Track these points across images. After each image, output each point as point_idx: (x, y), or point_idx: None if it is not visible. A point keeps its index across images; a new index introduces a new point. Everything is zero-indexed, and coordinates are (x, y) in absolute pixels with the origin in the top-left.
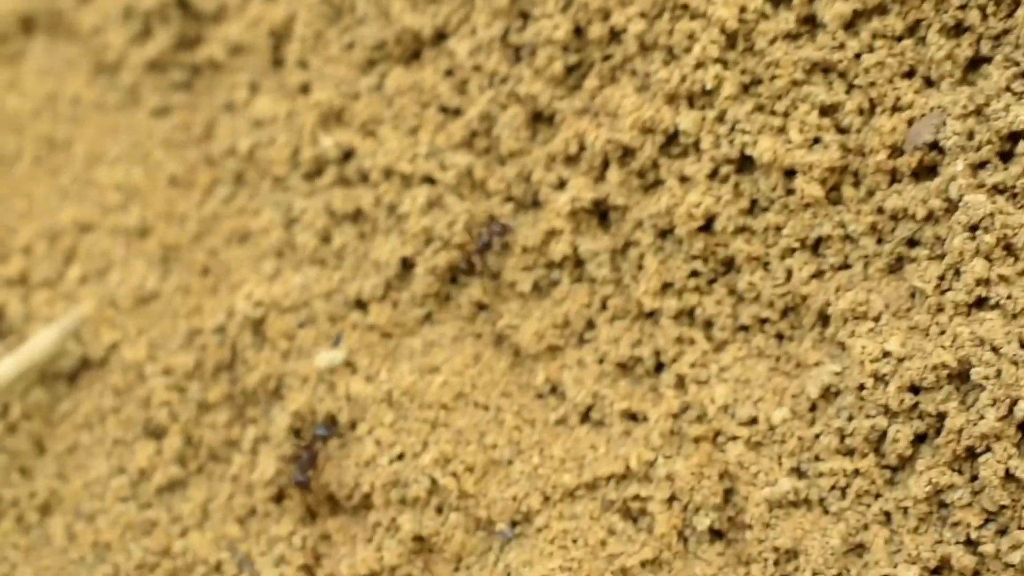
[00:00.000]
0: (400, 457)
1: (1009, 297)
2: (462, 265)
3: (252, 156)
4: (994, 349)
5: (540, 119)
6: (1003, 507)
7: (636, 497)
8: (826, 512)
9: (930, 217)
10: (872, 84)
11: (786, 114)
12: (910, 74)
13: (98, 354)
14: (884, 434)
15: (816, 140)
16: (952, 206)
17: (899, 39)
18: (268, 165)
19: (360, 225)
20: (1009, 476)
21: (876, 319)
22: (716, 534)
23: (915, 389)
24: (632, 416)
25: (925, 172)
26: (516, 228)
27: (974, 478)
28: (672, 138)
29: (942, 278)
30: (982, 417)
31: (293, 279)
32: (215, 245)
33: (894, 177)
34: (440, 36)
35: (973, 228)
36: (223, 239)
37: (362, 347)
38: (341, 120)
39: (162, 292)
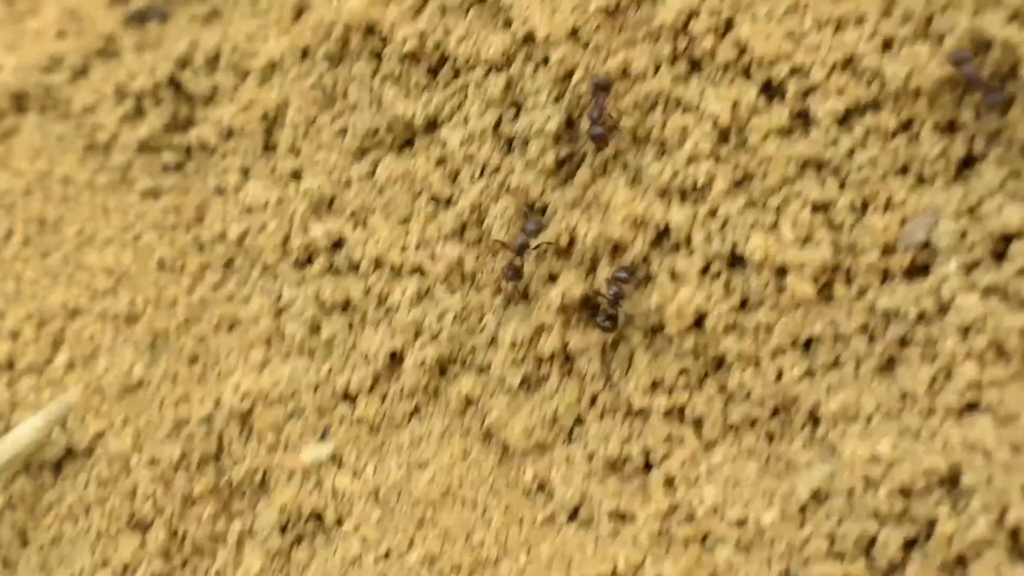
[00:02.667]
0: (386, 555)
1: (1001, 401)
2: (507, 272)
3: (242, 242)
4: (985, 454)
5: (532, 211)
6: None
7: None
8: None
9: (922, 318)
10: (865, 181)
11: (778, 211)
12: (903, 172)
13: (84, 443)
14: (874, 539)
15: (808, 238)
16: (944, 307)
17: (892, 136)
18: (258, 252)
19: (349, 315)
20: None
21: (867, 420)
22: None
23: (906, 493)
24: (621, 516)
25: (918, 272)
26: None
27: None
28: (663, 233)
29: (934, 380)
30: (973, 523)
31: (281, 369)
32: (204, 332)
33: (886, 276)
34: (432, 125)
35: (965, 330)
36: (212, 326)
37: (349, 441)
38: (332, 208)
39: (149, 380)
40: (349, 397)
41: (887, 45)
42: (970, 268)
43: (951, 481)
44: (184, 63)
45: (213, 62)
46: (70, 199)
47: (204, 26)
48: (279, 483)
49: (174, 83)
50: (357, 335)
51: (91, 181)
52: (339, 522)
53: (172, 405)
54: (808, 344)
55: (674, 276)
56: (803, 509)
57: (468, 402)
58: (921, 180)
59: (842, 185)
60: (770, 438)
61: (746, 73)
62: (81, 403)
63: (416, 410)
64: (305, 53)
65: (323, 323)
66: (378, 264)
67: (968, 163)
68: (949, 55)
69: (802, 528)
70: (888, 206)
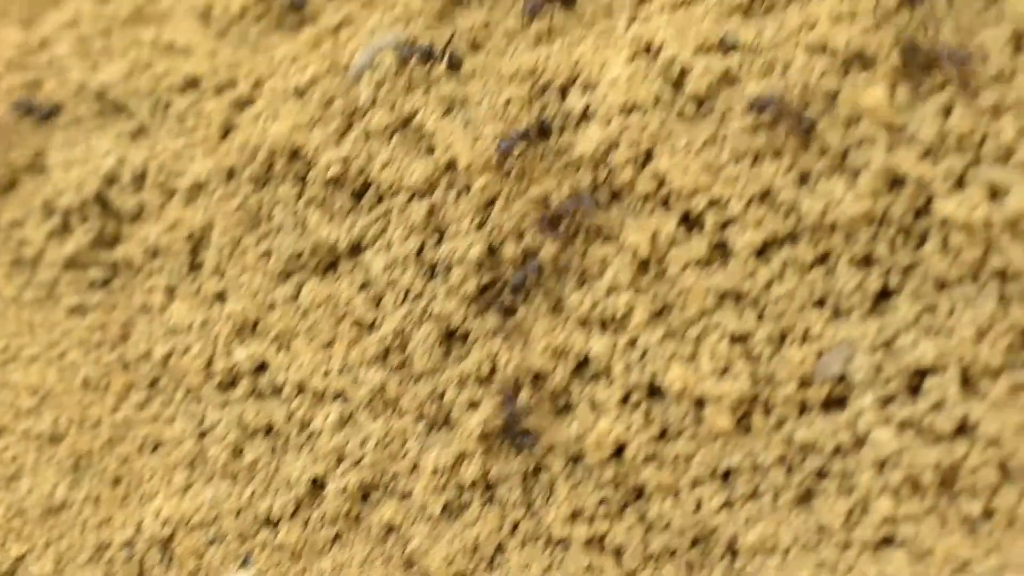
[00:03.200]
0: None
1: (916, 536)
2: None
3: (167, 363)
4: None
5: (454, 337)
6: None
7: None
8: None
9: (839, 451)
10: (782, 314)
11: (697, 341)
12: (820, 304)
13: (4, 566)
14: None
15: (726, 369)
16: (860, 440)
17: (809, 269)
18: (182, 373)
19: (272, 440)
20: None
21: (785, 553)
22: None
23: None
24: None
25: (834, 405)
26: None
27: None
28: (584, 363)
29: (850, 514)
30: None
31: (203, 493)
32: (127, 453)
33: (804, 409)
34: (356, 249)
35: (881, 464)
36: (135, 447)
37: (271, 567)
38: (255, 331)
39: (72, 502)
40: (271, 523)
41: (803, 179)
42: (885, 402)
43: None
44: (111, 180)
45: (140, 180)
46: None
47: (132, 142)
48: None
49: (101, 200)
50: (280, 460)
51: (17, 297)
52: None
53: (94, 528)
54: (727, 475)
55: (594, 406)
56: None
57: (389, 529)
58: (837, 313)
59: (760, 317)
60: (690, 568)
61: (665, 204)
62: (2, 525)
63: (337, 536)
64: (231, 174)
65: (246, 447)
66: (301, 389)
67: (884, 296)
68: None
69: None
70: (805, 338)
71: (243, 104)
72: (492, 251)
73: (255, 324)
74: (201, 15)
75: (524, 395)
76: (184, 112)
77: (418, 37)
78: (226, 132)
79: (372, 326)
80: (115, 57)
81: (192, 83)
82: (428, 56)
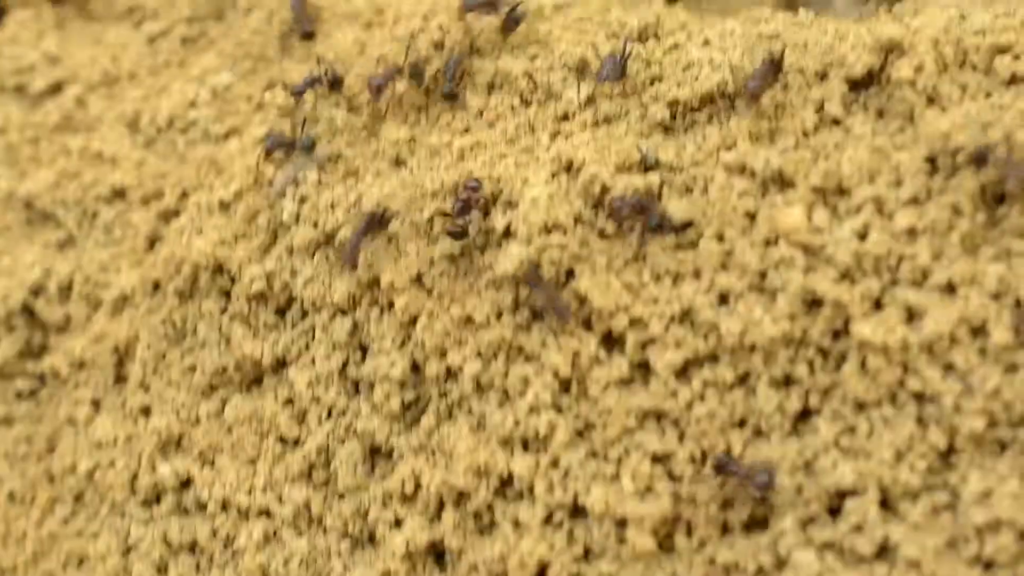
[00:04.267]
0: None
1: None
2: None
3: (92, 477)
4: None
5: (378, 454)
6: None
7: None
8: None
9: (761, 572)
10: (704, 434)
11: (619, 462)
12: (741, 424)
13: None
14: None
15: (648, 489)
16: (782, 562)
17: (730, 389)
18: (107, 488)
19: (196, 557)
20: None
21: None
22: None
23: None
24: None
25: (756, 526)
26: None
27: None
28: (507, 482)
29: None
30: None
31: None
32: (52, 568)
33: (726, 529)
34: (280, 364)
35: None
36: (60, 563)
37: None
38: (180, 447)
39: None
40: None
41: (723, 299)
42: (806, 523)
43: None
44: (38, 291)
45: (66, 291)
46: None
47: (59, 253)
48: None
49: (28, 310)
50: None
51: None
52: None
53: None
54: None
55: (517, 525)
56: None
57: None
58: (758, 433)
59: (681, 437)
60: None
61: (586, 324)
62: None
63: None
64: (156, 286)
65: (170, 564)
66: (225, 505)
67: (804, 417)
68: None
69: None
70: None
71: (169, 216)
72: (416, 368)
73: (180, 439)
74: (129, 124)
75: (447, 514)
76: (111, 223)
77: (342, 153)
78: (152, 244)
79: (296, 443)
80: (43, 166)
81: (119, 193)
82: (353, 172)
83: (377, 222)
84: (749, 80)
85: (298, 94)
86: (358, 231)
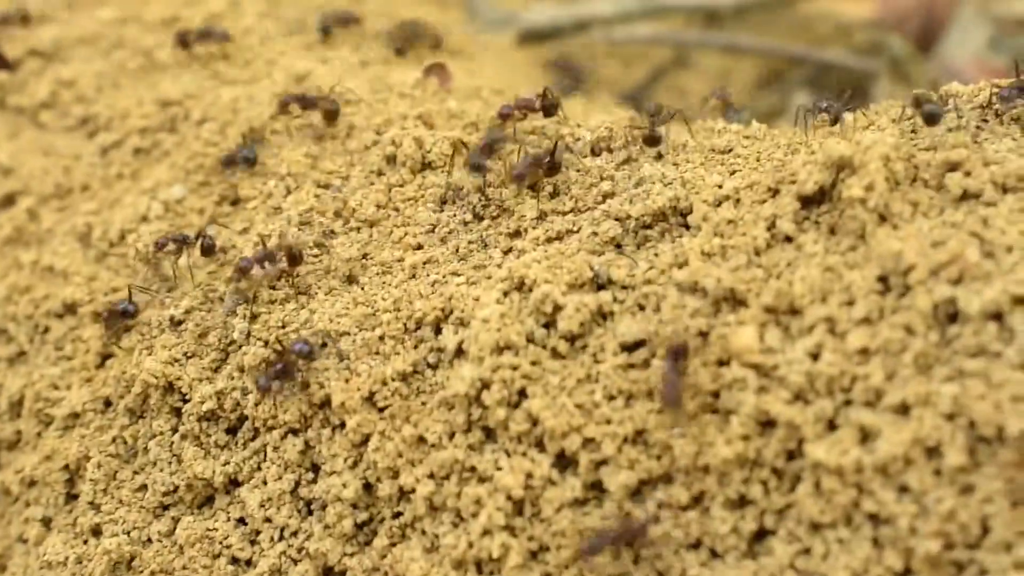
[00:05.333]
0: None
1: None
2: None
3: None
4: None
5: (331, 575)
6: None
7: None
8: None
9: None
10: (658, 556)
11: None
12: (696, 546)
13: None
14: None
15: None
16: None
17: (684, 510)
18: None
19: None
20: None
21: None
22: None
23: None
24: None
25: None
26: None
27: None
28: None
29: None
30: None
31: None
32: None
33: None
34: (232, 483)
35: None
36: None
37: None
38: (131, 568)
39: None
40: None
41: (676, 419)
42: None
43: None
44: None
45: (17, 406)
46: None
47: (10, 368)
48: None
49: None
50: None
51: None
52: None
53: None
54: None
55: None
56: None
57: None
58: (713, 555)
59: (635, 560)
60: None
61: (539, 445)
62: None
63: None
64: (107, 404)
65: None
66: None
67: (759, 539)
68: None
69: None
70: None
71: (120, 332)
72: (368, 488)
73: (131, 560)
74: (81, 238)
75: None
76: (62, 338)
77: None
78: (103, 360)
79: (249, 563)
80: None
81: (70, 308)
82: (305, 290)
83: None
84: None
85: (243, 271)
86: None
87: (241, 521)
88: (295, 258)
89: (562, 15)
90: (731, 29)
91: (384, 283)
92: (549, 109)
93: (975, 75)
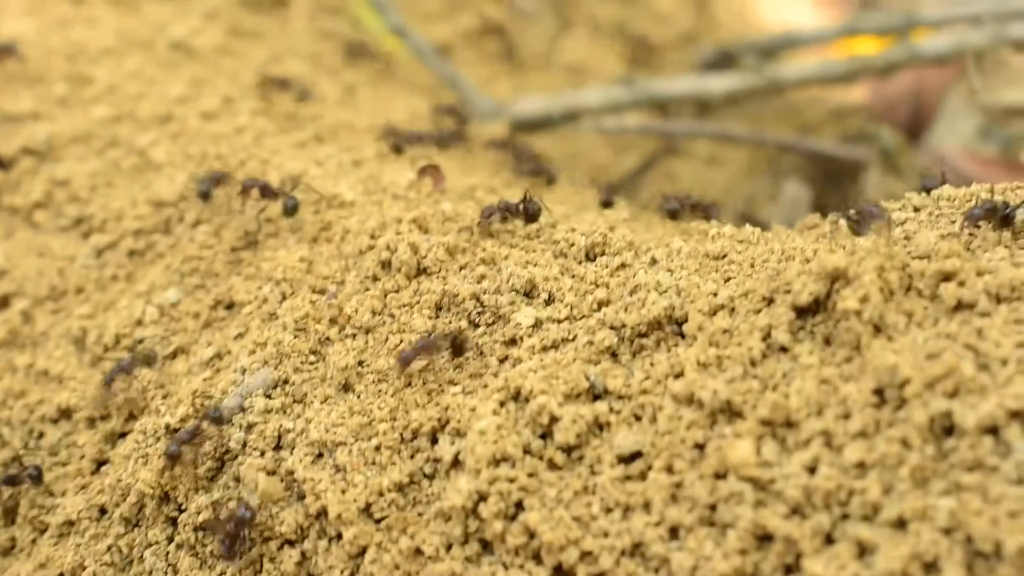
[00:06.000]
0: None
1: None
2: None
3: None
4: None
5: None
6: None
7: None
8: None
9: None
10: None
11: None
12: None
13: None
14: None
15: None
16: None
17: None
18: None
19: None
20: None
21: None
22: None
23: None
24: None
25: None
26: None
27: None
28: None
29: None
30: None
31: None
32: None
33: None
34: None
35: None
36: None
37: None
38: None
39: None
40: None
41: (674, 533)
42: None
43: None
44: None
45: (11, 513)
46: None
47: (4, 472)
48: None
49: None
50: None
51: None
52: None
53: None
54: None
55: None
56: None
57: None
58: None
59: None
60: None
61: (536, 558)
62: None
63: None
64: (103, 512)
65: None
66: None
67: None
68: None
69: None
70: None
71: (115, 439)
72: None
73: None
74: (76, 341)
75: None
76: (56, 444)
77: (289, 377)
78: (99, 466)
79: None
80: None
81: (65, 414)
82: (300, 399)
83: None
84: None
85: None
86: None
87: None
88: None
89: (553, 105)
90: (721, 115)
91: (380, 391)
92: (532, 215)
93: (965, 165)
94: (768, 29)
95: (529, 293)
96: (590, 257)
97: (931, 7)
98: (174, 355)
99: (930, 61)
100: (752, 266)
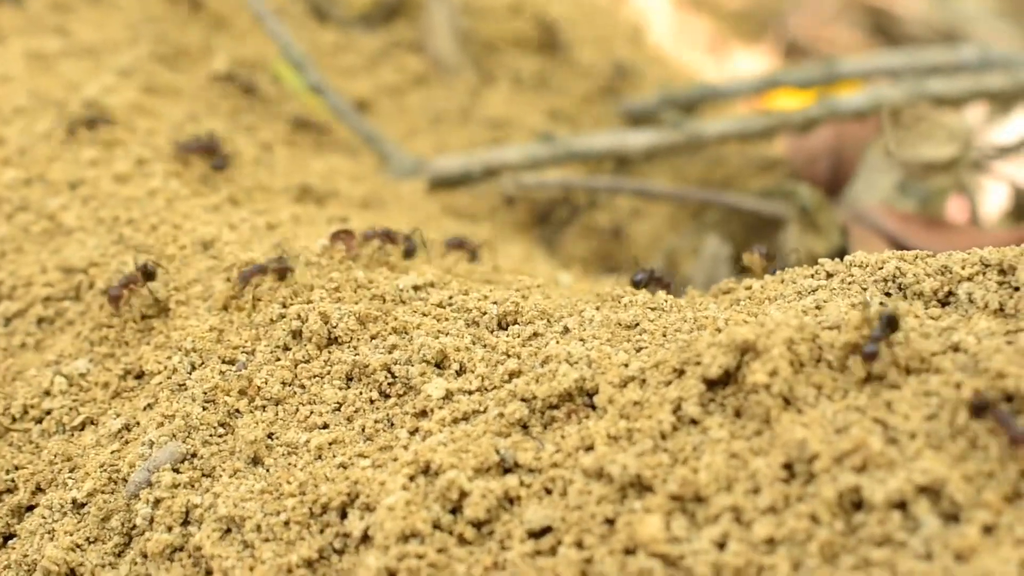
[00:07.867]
0: None
1: None
2: None
3: None
4: None
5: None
6: None
7: None
8: None
9: None
10: None
11: None
12: None
13: None
14: None
15: None
16: None
17: None
18: None
19: None
20: None
21: None
22: None
23: None
24: None
25: None
26: None
27: None
28: None
29: None
30: None
31: None
32: None
33: None
34: None
35: None
36: None
37: None
38: None
39: None
40: None
41: None
42: None
43: None
44: None
45: None
46: None
47: None
48: None
49: None
50: None
51: None
52: None
53: None
54: None
55: None
56: None
57: None
58: None
59: None
60: None
61: None
62: None
63: None
64: None
65: None
66: None
67: None
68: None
69: None
70: None
71: (22, 512)
72: None
73: None
74: None
75: None
76: None
77: (198, 450)
78: (5, 541)
79: None
80: None
81: None
82: (209, 472)
83: None
84: None
85: None
86: None
87: None
88: None
89: (472, 161)
90: (642, 169)
91: (290, 464)
92: (408, 252)
93: (884, 220)
94: (690, 81)
95: (440, 364)
96: (502, 326)
97: (854, 57)
98: (82, 426)
99: (849, 117)
100: (664, 335)
